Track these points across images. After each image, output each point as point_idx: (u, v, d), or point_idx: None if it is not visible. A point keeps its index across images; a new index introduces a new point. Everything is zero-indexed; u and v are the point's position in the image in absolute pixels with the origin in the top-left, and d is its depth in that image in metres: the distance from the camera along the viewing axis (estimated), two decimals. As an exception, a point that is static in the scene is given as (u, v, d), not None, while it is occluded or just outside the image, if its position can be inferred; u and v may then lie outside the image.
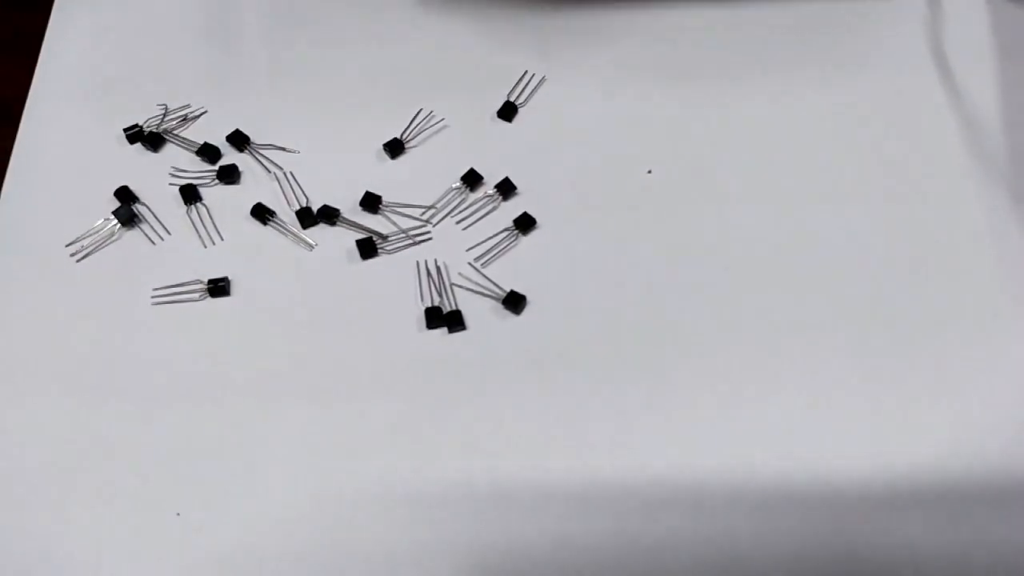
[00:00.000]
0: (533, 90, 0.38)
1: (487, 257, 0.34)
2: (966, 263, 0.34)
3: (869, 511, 0.30)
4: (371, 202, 0.36)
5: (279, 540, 0.30)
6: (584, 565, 0.30)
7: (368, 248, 0.34)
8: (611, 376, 0.33)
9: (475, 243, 0.35)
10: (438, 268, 0.35)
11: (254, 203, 0.36)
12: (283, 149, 0.37)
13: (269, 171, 0.36)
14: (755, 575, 0.29)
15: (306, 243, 0.35)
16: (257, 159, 0.37)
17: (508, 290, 0.34)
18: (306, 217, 0.35)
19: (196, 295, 0.34)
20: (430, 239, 0.35)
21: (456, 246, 0.35)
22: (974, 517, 0.30)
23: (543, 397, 0.32)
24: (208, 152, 0.37)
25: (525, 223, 0.35)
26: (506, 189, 0.36)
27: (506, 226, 0.35)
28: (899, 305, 0.34)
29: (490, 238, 0.35)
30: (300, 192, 0.36)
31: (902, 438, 0.31)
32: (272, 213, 0.35)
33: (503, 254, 0.35)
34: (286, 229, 0.35)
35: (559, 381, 0.33)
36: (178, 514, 0.31)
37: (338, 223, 0.35)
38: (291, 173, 0.36)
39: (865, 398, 0.32)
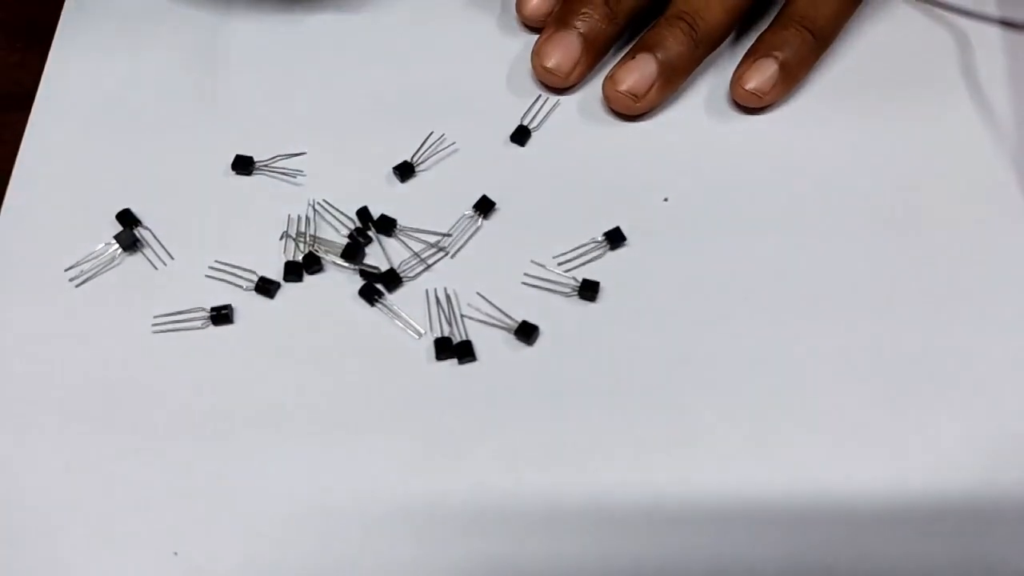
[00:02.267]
0: (547, 114, 0.37)
1: (572, 264, 0.34)
2: (994, 291, 0.33)
3: (898, 535, 0.29)
4: (386, 225, 0.35)
5: (280, 582, 0.29)
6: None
7: (369, 292, 0.33)
8: (627, 408, 0.32)
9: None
10: (448, 297, 0.33)
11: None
12: (289, 155, 0.36)
13: (293, 177, 0.36)
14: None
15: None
16: (271, 176, 0.36)
17: (520, 320, 0.33)
18: (304, 265, 0.34)
19: (198, 323, 0.33)
20: (443, 255, 0.34)
21: (464, 275, 0.34)
22: (1003, 535, 0.29)
23: (557, 429, 0.31)
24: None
25: None
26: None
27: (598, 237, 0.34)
28: (927, 333, 0.33)
29: (579, 247, 0.34)
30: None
31: (929, 466, 0.30)
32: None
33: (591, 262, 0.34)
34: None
35: (573, 413, 0.31)
36: (176, 553, 0.29)
37: (327, 267, 0.34)
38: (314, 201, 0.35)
39: (891, 426, 0.31)
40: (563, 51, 0.36)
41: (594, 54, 0.37)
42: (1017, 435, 0.31)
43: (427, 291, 0.34)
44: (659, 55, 0.36)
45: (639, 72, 0.36)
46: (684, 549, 0.29)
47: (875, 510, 0.30)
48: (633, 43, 0.37)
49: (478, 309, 0.33)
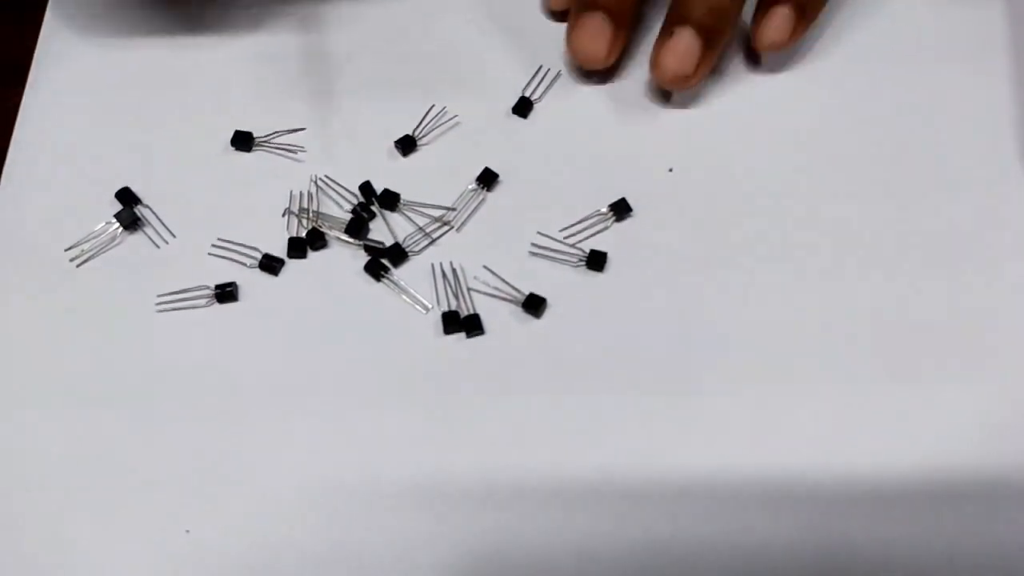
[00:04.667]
0: (549, 85, 0.37)
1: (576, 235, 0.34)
2: (1003, 264, 0.33)
3: (906, 508, 0.29)
4: (389, 200, 0.34)
5: (295, 558, 0.29)
6: (606, 572, 0.29)
7: (375, 268, 0.33)
8: (636, 380, 0.31)
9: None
10: (454, 271, 0.33)
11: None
12: (289, 131, 0.36)
13: (294, 153, 0.35)
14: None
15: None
16: (271, 152, 0.36)
17: (527, 293, 0.33)
18: (308, 242, 0.34)
19: (203, 301, 0.33)
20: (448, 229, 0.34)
21: (470, 248, 0.34)
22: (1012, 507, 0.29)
23: (566, 402, 0.31)
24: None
25: None
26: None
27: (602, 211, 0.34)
28: (936, 304, 0.33)
29: (581, 221, 0.34)
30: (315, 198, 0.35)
31: (935, 441, 0.30)
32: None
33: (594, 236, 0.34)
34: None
35: (582, 385, 0.31)
36: (188, 531, 0.29)
37: (331, 243, 0.34)
38: (314, 180, 0.35)
39: (900, 398, 0.31)
40: (594, 37, 0.35)
41: (627, 26, 0.35)
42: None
43: (433, 265, 0.33)
44: (696, 20, 0.33)
45: (681, 49, 0.34)
46: (693, 523, 0.29)
47: (885, 484, 0.30)
48: (667, 11, 0.35)
49: (485, 282, 0.33)
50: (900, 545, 0.29)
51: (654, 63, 0.35)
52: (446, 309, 0.33)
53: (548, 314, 0.33)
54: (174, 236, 0.34)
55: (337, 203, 0.35)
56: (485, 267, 0.33)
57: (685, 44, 0.34)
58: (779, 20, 0.34)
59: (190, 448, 0.30)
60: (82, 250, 0.34)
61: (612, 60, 0.36)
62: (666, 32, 0.34)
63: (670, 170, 0.35)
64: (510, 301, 0.33)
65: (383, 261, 0.33)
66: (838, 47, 0.38)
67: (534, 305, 0.32)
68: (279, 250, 0.34)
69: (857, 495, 0.30)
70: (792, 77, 0.37)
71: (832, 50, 0.38)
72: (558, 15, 0.38)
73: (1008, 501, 0.30)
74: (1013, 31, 0.38)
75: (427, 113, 0.36)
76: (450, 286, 0.33)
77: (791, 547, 0.29)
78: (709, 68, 0.35)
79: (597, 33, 0.34)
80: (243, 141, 0.35)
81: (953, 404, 0.31)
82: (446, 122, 0.36)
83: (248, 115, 0.36)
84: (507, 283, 0.33)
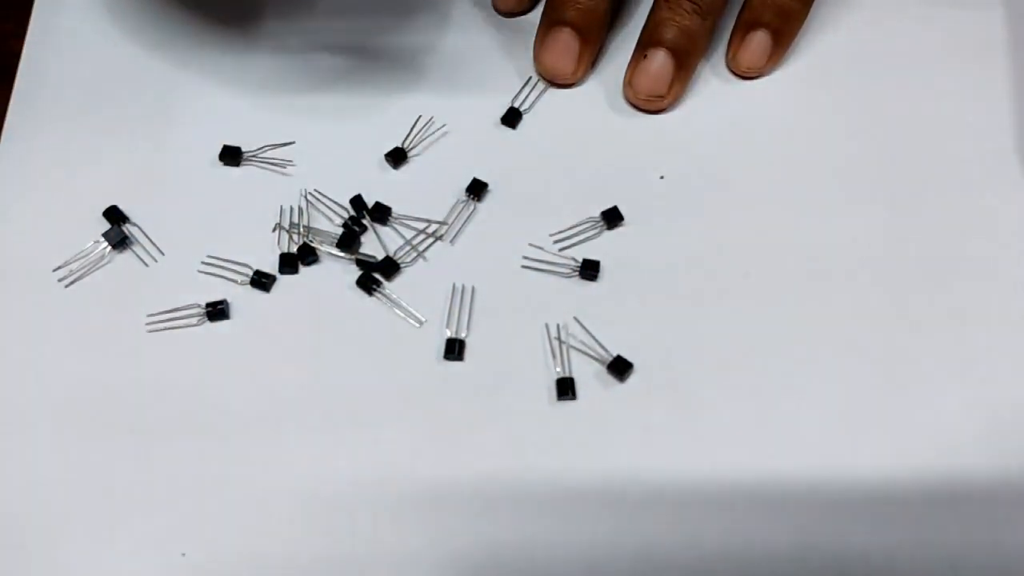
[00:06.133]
0: (539, 95, 0.37)
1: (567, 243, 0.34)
2: (1002, 265, 0.33)
3: (911, 516, 0.29)
4: (381, 213, 0.34)
5: (292, 578, 0.29)
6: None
7: (367, 282, 0.33)
8: (632, 388, 0.31)
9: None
10: (462, 291, 0.33)
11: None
12: (277, 145, 0.35)
13: (283, 168, 0.35)
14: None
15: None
16: (260, 167, 0.35)
17: (615, 354, 0.32)
18: (299, 257, 0.33)
19: (194, 319, 0.32)
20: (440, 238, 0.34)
21: (463, 261, 0.34)
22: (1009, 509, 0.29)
23: (562, 412, 0.31)
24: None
25: None
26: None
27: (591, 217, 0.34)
28: (926, 309, 0.33)
29: (575, 226, 0.34)
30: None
31: (936, 444, 0.30)
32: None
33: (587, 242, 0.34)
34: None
35: (578, 394, 0.31)
36: (183, 555, 0.29)
37: (322, 258, 0.33)
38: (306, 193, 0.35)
39: (895, 401, 0.31)
40: (562, 53, 0.35)
41: (595, 42, 0.36)
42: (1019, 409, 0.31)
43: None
44: (668, 43, 0.35)
45: (654, 71, 0.35)
46: (693, 530, 0.29)
47: (886, 488, 0.30)
48: (640, 33, 0.36)
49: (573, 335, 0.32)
50: (903, 549, 0.29)
51: (628, 84, 0.36)
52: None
53: (542, 325, 0.32)
54: (163, 254, 0.34)
55: (328, 217, 0.34)
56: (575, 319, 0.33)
57: (658, 66, 0.35)
58: (756, 44, 0.36)
59: (184, 469, 0.30)
60: (70, 270, 0.33)
61: (580, 75, 0.36)
62: (639, 54, 0.35)
63: (661, 177, 0.35)
64: (596, 359, 0.32)
65: (375, 275, 0.33)
66: (835, 50, 0.38)
67: (620, 369, 0.31)
68: (270, 266, 0.33)
69: (859, 500, 0.30)
70: (787, 81, 0.37)
71: (828, 53, 0.38)
72: (506, 13, 0.39)
73: (1009, 504, 0.30)
74: (1013, 32, 0.38)
75: (415, 123, 0.36)
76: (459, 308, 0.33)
77: (792, 553, 0.29)
78: (682, 88, 0.36)
79: (565, 49, 0.35)
80: (231, 156, 0.35)
81: (953, 407, 0.31)
82: (435, 132, 0.36)
83: (236, 129, 0.36)
84: (594, 339, 0.33)
